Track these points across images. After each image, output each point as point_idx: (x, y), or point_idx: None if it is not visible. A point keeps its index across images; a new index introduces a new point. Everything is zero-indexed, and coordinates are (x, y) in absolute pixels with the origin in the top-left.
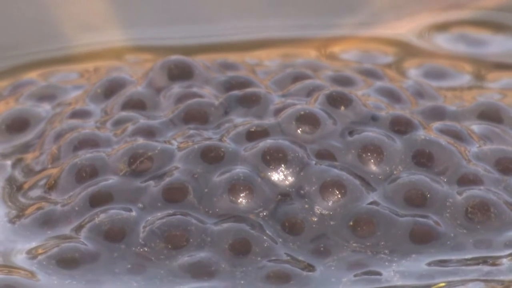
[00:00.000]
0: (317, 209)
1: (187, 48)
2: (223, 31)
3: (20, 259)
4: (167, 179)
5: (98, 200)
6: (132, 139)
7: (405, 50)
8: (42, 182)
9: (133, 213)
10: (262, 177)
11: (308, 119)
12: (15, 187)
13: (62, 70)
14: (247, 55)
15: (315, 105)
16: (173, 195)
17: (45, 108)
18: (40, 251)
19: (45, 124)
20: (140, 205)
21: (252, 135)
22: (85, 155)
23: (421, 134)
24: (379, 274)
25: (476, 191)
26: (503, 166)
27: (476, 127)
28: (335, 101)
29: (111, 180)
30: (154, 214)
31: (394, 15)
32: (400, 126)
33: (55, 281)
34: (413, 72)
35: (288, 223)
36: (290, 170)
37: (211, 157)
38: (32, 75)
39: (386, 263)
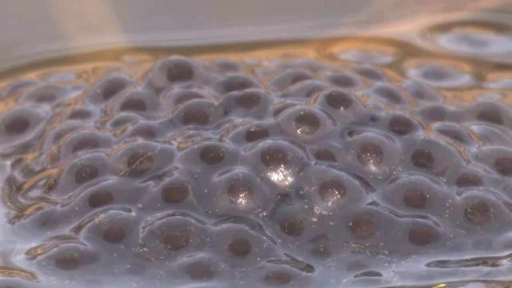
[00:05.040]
0: (317, 209)
1: (187, 49)
2: (223, 31)
3: (19, 259)
4: (166, 179)
5: (97, 200)
6: (131, 139)
7: (405, 50)
8: (41, 183)
9: (133, 213)
10: (261, 177)
11: (307, 120)
12: (14, 188)
13: (61, 70)
14: (247, 55)
15: (314, 106)
16: (173, 195)
17: (44, 109)
18: (39, 251)
19: (45, 125)
20: (139, 205)
21: (251, 135)
22: (84, 156)
23: (420, 134)
24: (379, 275)
25: (475, 192)
26: (502, 167)
27: (476, 127)
28: (335, 101)
29: (111, 180)
30: (154, 214)
31: (393, 15)
32: (400, 127)
33: (55, 282)
34: (413, 72)
35: (288, 223)
36: (290, 170)
37: (211, 157)
38: (31, 75)
39: (386, 264)
